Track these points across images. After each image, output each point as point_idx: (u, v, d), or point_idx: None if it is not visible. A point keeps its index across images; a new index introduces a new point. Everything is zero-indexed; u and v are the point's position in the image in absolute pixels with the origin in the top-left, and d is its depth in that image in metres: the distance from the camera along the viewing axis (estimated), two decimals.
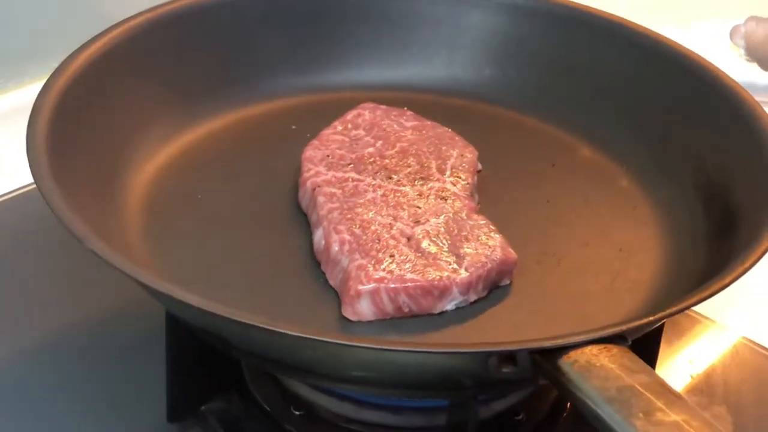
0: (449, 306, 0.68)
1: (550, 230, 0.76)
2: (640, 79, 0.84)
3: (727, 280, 0.62)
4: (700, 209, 0.76)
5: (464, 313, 0.69)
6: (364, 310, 0.67)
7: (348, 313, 0.67)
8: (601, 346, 0.56)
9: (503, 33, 0.89)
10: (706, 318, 0.80)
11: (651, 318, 0.58)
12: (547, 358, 0.56)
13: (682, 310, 0.60)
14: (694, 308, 0.76)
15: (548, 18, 0.88)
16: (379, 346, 0.56)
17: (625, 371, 0.54)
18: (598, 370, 0.54)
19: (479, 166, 0.80)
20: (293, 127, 0.83)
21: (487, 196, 0.78)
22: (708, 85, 0.80)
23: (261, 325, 0.57)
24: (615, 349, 0.56)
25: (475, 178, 0.77)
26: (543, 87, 0.87)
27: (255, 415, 0.71)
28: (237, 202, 0.76)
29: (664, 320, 0.64)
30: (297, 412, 0.70)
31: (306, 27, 0.87)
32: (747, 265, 0.63)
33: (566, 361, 0.55)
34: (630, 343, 0.58)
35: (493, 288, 0.70)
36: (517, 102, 0.87)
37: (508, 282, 0.71)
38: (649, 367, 0.55)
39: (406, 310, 0.67)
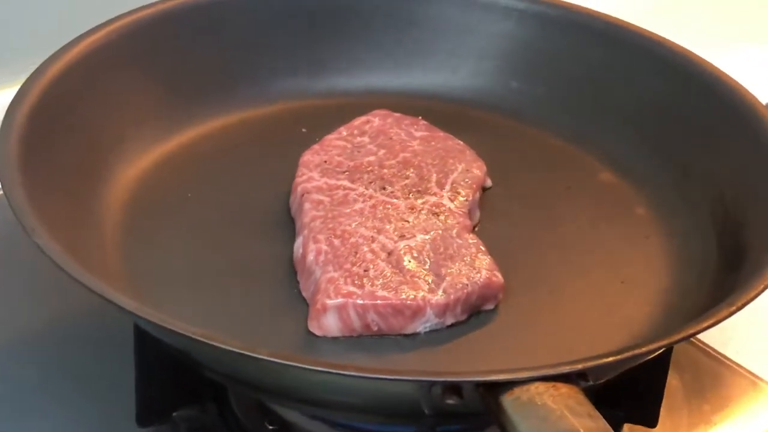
0: (423, 327, 0.65)
1: (550, 255, 0.72)
2: (671, 104, 0.80)
3: (708, 323, 0.57)
4: (714, 244, 0.71)
5: (440, 336, 0.65)
6: (330, 325, 0.64)
7: (314, 327, 0.64)
8: (549, 384, 0.52)
9: (534, 46, 0.84)
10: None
11: (610, 359, 0.54)
12: (491, 392, 0.52)
13: (653, 351, 0.56)
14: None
15: (582, 33, 0.84)
16: (295, 363, 0.52)
17: (569, 413, 0.50)
18: (538, 409, 0.50)
19: (489, 183, 0.77)
20: (303, 130, 0.80)
21: (491, 213, 0.75)
22: (740, 114, 0.75)
23: (193, 336, 0.54)
24: (564, 389, 0.52)
25: (478, 194, 0.74)
26: (569, 105, 0.83)
27: (230, 427, 0.68)
28: (228, 203, 0.74)
29: (642, 360, 0.59)
30: (270, 427, 0.67)
31: (327, 26, 0.84)
32: (733, 308, 0.58)
33: (508, 398, 0.51)
34: (591, 383, 0.54)
35: (475, 312, 0.66)
36: (542, 118, 0.83)
37: (491, 307, 0.67)
38: (596, 412, 0.51)
39: (375, 328, 0.64)
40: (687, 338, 0.57)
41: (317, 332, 0.64)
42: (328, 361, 0.54)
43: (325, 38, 0.85)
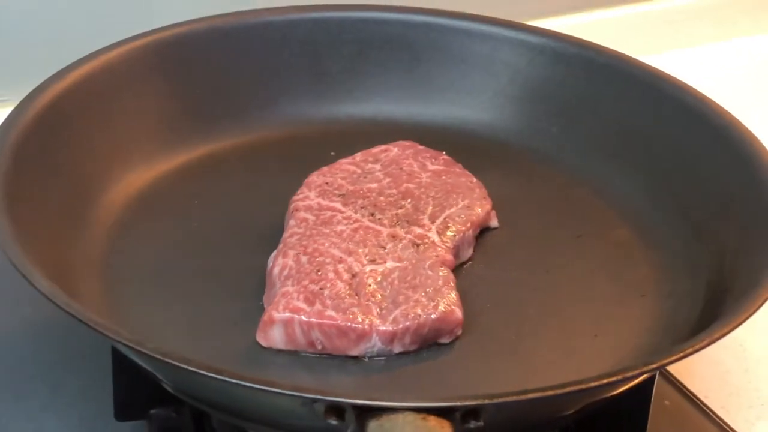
0: (369, 352, 0.65)
1: (532, 301, 0.71)
2: (700, 163, 0.78)
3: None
4: (698, 311, 0.69)
5: (387, 363, 0.65)
6: (275, 337, 0.65)
7: (260, 338, 0.65)
8: (420, 416, 0.52)
9: (579, 93, 0.84)
10: None
11: (496, 401, 0.53)
12: (363, 416, 0.52)
13: (547, 399, 0.55)
14: None
15: (625, 81, 0.83)
16: (178, 363, 0.54)
17: None
18: None
19: (494, 223, 0.76)
20: (332, 153, 0.81)
21: (487, 253, 0.74)
22: (760, 182, 0.73)
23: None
24: (432, 422, 0.51)
25: (471, 232, 0.73)
26: (604, 156, 0.82)
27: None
28: (229, 214, 0.76)
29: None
30: None
31: (377, 56, 0.86)
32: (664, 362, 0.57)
33: (373, 423, 0.51)
34: (480, 423, 0.54)
35: (428, 344, 0.66)
36: (573, 166, 0.82)
37: (447, 341, 0.67)
38: None
39: (319, 347, 0.65)
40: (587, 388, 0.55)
41: (263, 343, 0.65)
42: (210, 365, 0.55)
43: (374, 67, 0.86)
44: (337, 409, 0.53)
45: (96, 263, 0.70)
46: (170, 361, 0.55)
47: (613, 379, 0.56)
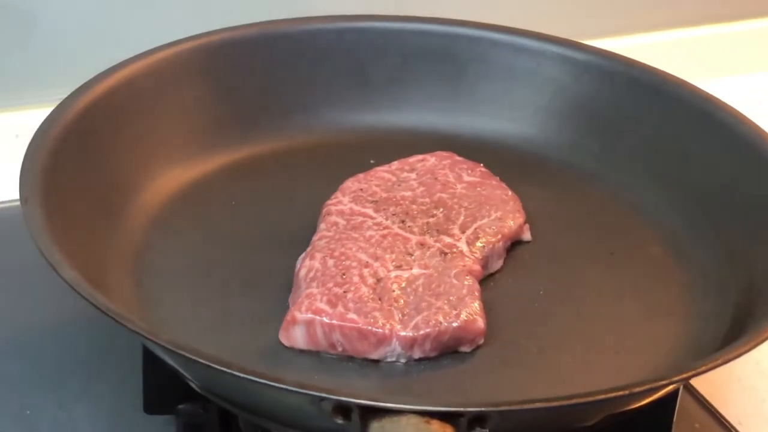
0: (389, 357, 0.66)
1: (557, 316, 0.71)
2: (741, 187, 0.77)
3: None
4: (723, 332, 0.69)
5: (407, 368, 0.66)
6: (297, 337, 0.66)
7: (283, 337, 0.66)
8: (423, 419, 0.52)
9: (625, 112, 0.84)
10: None
11: (488, 408, 0.53)
12: (367, 417, 0.53)
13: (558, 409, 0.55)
14: None
15: (670, 101, 0.82)
16: (187, 354, 0.55)
17: None
18: None
19: (527, 237, 0.76)
20: (371, 161, 0.82)
21: (517, 266, 0.74)
22: None
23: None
24: (435, 425, 0.52)
25: (501, 244, 0.74)
26: (649, 176, 0.81)
27: (220, 429, 0.70)
28: (265, 215, 0.77)
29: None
30: None
31: (421, 67, 0.86)
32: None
33: (376, 424, 0.52)
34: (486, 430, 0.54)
35: (448, 351, 0.67)
36: (615, 184, 0.82)
37: (468, 350, 0.67)
38: None
39: (340, 349, 0.66)
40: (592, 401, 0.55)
41: (285, 342, 0.66)
42: (219, 358, 0.56)
43: (417, 78, 0.87)
44: (343, 409, 0.54)
45: (129, 258, 0.72)
46: (179, 351, 0.56)
47: (620, 393, 0.56)
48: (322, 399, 0.54)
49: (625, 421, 0.64)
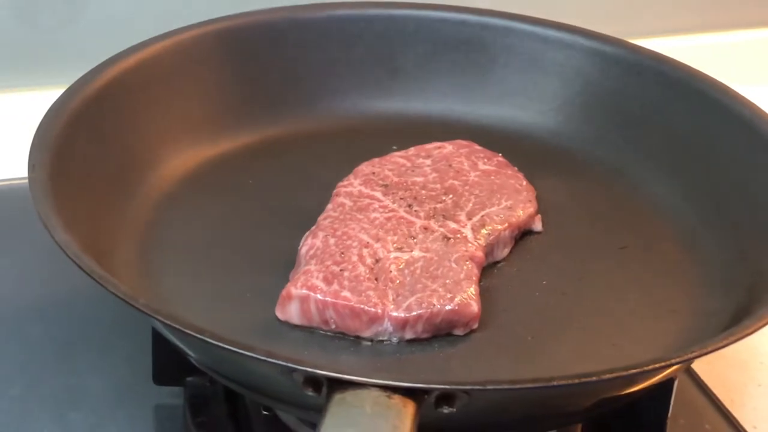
0: (382, 336, 0.66)
1: (557, 306, 0.71)
2: (759, 188, 0.76)
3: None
4: (721, 329, 0.68)
5: (399, 347, 0.66)
6: (291, 312, 0.67)
7: (278, 311, 0.67)
8: (385, 394, 0.53)
9: (651, 106, 0.83)
10: None
11: (451, 386, 0.53)
12: (332, 389, 0.53)
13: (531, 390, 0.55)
14: None
15: (696, 97, 0.82)
16: (172, 323, 0.56)
17: (371, 421, 0.50)
18: (349, 410, 0.51)
19: (538, 227, 0.76)
20: (394, 147, 0.83)
21: (524, 256, 0.74)
22: None
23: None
24: (396, 399, 0.52)
25: (508, 233, 0.74)
26: (662, 168, 0.81)
27: (231, 403, 0.71)
28: (279, 196, 0.78)
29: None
30: (265, 413, 0.70)
31: (451, 56, 0.87)
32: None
33: (338, 395, 0.53)
34: (453, 409, 0.54)
35: (442, 334, 0.67)
36: (637, 178, 0.82)
37: (461, 333, 0.67)
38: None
39: (333, 326, 0.66)
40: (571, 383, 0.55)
41: (280, 317, 0.67)
42: (200, 327, 0.57)
43: (447, 67, 0.87)
44: (314, 382, 0.55)
45: (139, 230, 0.73)
46: (156, 315, 0.57)
47: (588, 379, 0.55)
48: (293, 370, 0.55)
49: (621, 411, 0.64)
